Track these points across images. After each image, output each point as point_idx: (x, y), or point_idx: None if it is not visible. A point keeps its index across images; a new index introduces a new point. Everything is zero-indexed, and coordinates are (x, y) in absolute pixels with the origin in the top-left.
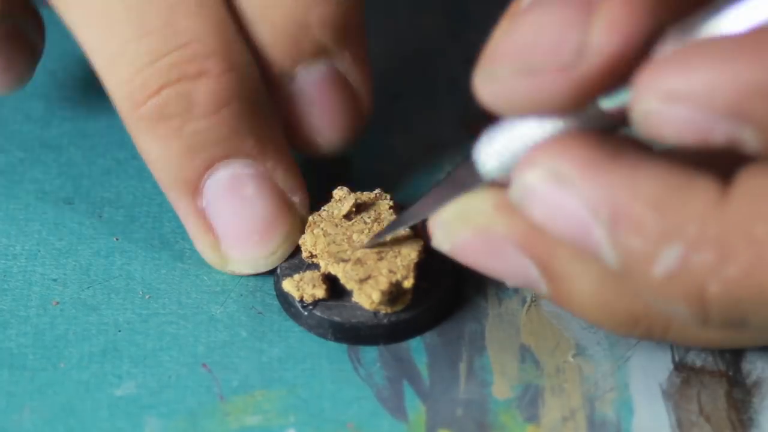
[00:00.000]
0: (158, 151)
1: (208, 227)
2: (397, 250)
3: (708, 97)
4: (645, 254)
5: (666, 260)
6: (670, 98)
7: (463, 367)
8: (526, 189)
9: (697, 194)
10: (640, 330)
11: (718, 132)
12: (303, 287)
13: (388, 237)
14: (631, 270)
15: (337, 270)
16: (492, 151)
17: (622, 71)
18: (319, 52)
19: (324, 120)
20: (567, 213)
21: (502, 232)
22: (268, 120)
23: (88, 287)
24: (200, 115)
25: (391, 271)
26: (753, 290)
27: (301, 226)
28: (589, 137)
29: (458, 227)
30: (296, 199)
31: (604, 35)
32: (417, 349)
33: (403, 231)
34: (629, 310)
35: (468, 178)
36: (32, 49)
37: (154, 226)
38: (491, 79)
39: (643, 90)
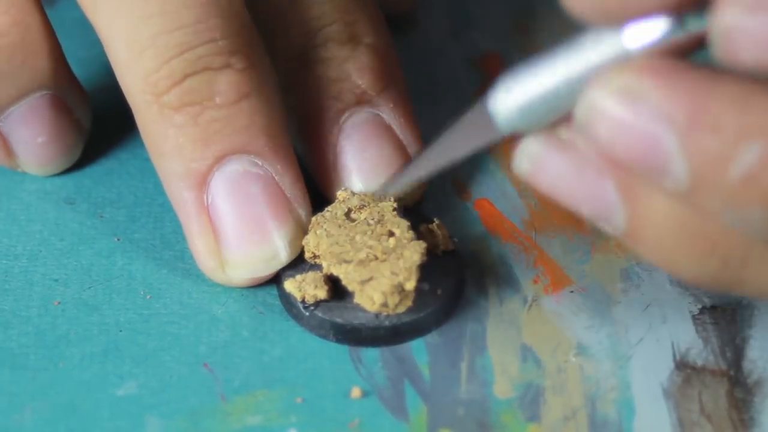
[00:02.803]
0: (173, 139)
1: (209, 226)
2: (399, 252)
3: None
4: (723, 155)
5: (745, 159)
6: (753, 7)
7: (464, 366)
8: (592, 109)
9: None
10: (716, 262)
11: None
12: (305, 288)
13: (395, 189)
14: (704, 178)
15: (339, 271)
16: (511, 101)
17: None
18: (362, 101)
19: (366, 165)
20: (635, 130)
21: (585, 148)
22: (282, 127)
23: (90, 287)
24: (220, 103)
25: (393, 273)
26: None
27: (302, 239)
28: (662, 57)
29: (539, 148)
30: (301, 211)
31: None
32: (418, 348)
33: (407, 232)
34: (707, 233)
35: (483, 130)
36: (78, 125)
37: (156, 226)
38: None
39: (724, 3)
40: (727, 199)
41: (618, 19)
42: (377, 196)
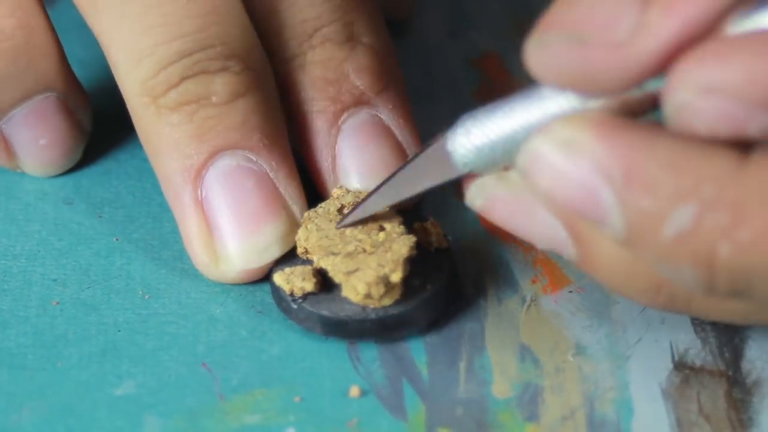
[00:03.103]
0: (169, 136)
1: (204, 220)
2: (388, 246)
3: (746, 89)
4: (656, 215)
5: (678, 220)
6: (707, 90)
7: (462, 366)
8: (533, 157)
9: (715, 158)
10: (663, 298)
11: (753, 124)
12: (293, 280)
13: (352, 220)
14: (638, 233)
15: (326, 263)
16: (469, 142)
17: (674, 58)
18: (360, 102)
19: (364, 166)
20: (574, 179)
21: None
22: (278, 126)
23: (88, 287)
24: (216, 102)
25: (379, 265)
26: (763, 256)
27: (295, 235)
28: (605, 113)
29: (492, 185)
30: (295, 208)
31: (661, 18)
32: (417, 348)
33: (397, 227)
34: (652, 274)
35: (441, 168)
36: (80, 127)
37: (154, 226)
38: (542, 47)
39: (679, 82)
40: (660, 256)
41: (580, 92)
42: (339, 227)
